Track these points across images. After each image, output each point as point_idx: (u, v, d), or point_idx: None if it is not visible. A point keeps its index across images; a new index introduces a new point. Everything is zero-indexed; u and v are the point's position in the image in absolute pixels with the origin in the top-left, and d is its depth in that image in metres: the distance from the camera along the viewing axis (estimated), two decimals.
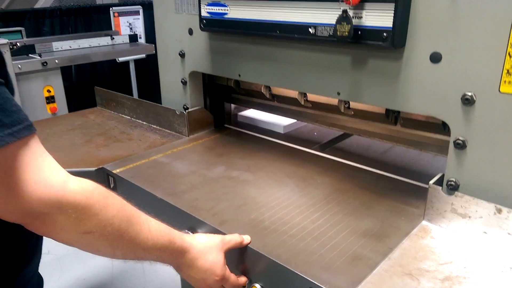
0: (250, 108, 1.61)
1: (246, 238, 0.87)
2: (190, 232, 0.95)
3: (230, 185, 1.13)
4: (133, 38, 3.26)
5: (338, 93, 1.04)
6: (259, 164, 1.25)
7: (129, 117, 1.69)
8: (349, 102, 1.16)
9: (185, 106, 1.48)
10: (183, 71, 1.44)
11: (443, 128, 1.00)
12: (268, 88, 1.35)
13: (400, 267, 0.79)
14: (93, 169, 1.22)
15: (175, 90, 1.49)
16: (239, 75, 1.26)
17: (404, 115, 1.06)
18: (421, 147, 1.11)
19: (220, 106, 1.58)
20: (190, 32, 1.35)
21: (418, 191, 1.09)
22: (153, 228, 0.75)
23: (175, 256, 0.79)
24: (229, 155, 1.33)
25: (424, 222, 0.94)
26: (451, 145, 0.88)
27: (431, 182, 0.92)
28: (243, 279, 0.87)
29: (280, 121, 1.54)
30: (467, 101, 0.83)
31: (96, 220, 0.64)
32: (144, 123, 1.62)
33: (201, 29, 1.26)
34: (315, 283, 0.75)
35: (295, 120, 1.53)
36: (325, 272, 0.78)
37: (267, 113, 1.56)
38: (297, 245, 0.86)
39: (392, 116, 1.10)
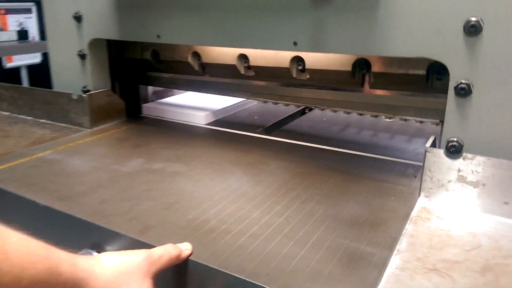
0: (173, 88, 1.28)
1: (186, 248, 0.56)
2: (94, 252, 0.61)
3: (153, 179, 0.81)
4: (23, 34, 2.72)
5: (295, 43, 0.79)
6: (191, 154, 0.95)
7: (9, 113, 1.27)
8: (304, 63, 0.91)
9: (85, 89, 1.11)
10: (81, 40, 1.08)
11: (426, 80, 0.80)
12: (196, 56, 1.05)
13: (418, 261, 0.54)
14: None
15: (70, 67, 1.12)
16: (158, 36, 0.95)
17: (376, 68, 0.84)
18: (393, 112, 0.90)
19: (134, 90, 1.23)
20: None
21: (394, 166, 0.90)
22: (15, 250, 0.40)
23: None
24: (149, 145, 1.00)
25: (421, 200, 0.71)
26: (451, 93, 0.67)
27: (428, 145, 0.70)
28: None
29: (204, 108, 1.22)
30: (473, 29, 0.63)
31: None
32: (29, 118, 1.22)
33: None
34: None
35: (223, 106, 1.24)
36: (316, 284, 0.50)
37: (186, 101, 1.25)
38: (264, 248, 0.57)
39: (359, 74, 0.88)
